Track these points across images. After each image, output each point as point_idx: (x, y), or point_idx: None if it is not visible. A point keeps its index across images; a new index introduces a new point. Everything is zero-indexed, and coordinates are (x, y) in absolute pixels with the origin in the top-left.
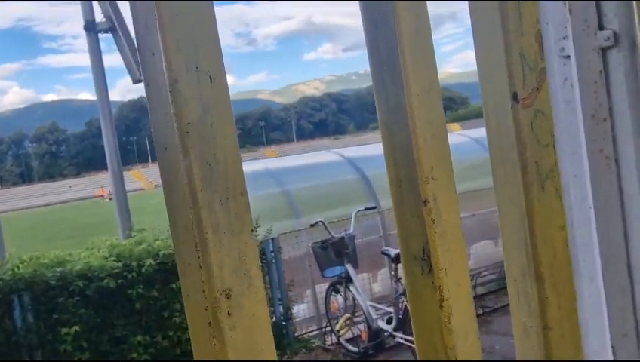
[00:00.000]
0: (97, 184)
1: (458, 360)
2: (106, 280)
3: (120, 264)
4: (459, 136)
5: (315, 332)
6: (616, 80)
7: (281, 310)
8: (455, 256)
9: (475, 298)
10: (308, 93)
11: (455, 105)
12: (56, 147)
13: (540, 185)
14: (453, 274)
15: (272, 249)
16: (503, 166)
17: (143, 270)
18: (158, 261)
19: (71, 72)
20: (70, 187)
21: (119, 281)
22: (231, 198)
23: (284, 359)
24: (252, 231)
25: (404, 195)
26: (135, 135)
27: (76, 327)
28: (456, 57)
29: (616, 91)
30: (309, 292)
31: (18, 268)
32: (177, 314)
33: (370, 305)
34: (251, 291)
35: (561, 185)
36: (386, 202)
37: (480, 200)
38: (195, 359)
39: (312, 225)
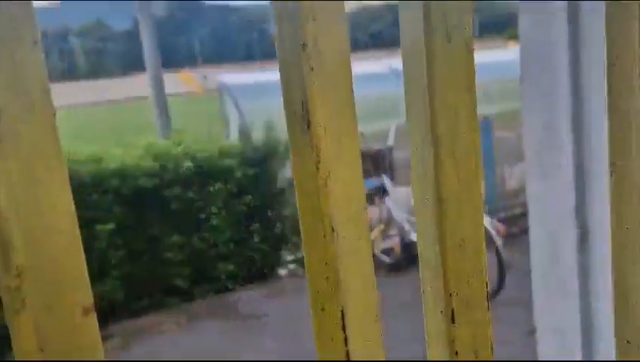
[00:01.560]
0: (142, 84)
1: (335, 227)
2: (141, 180)
3: (157, 164)
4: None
5: None
6: None
7: None
8: (340, 113)
9: None
10: (367, 3)
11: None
12: (102, 44)
13: (447, 37)
14: (335, 133)
15: None
16: (407, 9)
17: (180, 171)
18: (195, 163)
19: None
20: (116, 86)
21: (155, 181)
22: None
23: None
24: (36, 42)
25: (286, 40)
26: (185, 36)
27: (110, 225)
28: None
29: None
30: None
31: None
32: (214, 216)
33: (406, 218)
34: (33, 116)
35: (471, 37)
36: None
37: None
38: None
39: None
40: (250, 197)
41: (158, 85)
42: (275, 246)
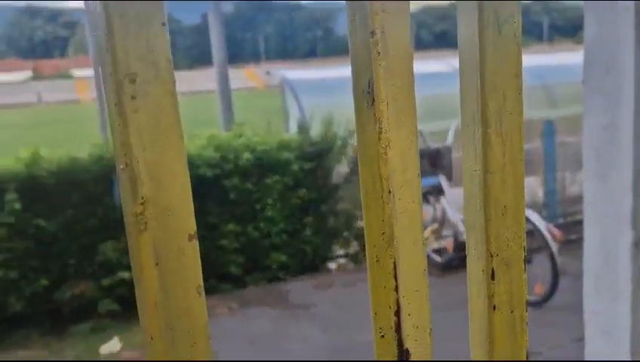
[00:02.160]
0: (209, 78)
1: (392, 190)
2: (202, 169)
3: (218, 155)
4: None
5: None
6: None
7: None
8: (401, 92)
9: None
10: (433, 2)
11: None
12: (170, 37)
13: (497, 29)
14: (395, 109)
15: None
16: (464, 7)
17: (240, 163)
18: (255, 155)
19: None
20: (182, 79)
21: (216, 171)
22: None
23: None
24: (164, 24)
25: (357, 29)
26: (251, 33)
27: None
28: None
29: None
30: None
31: None
32: (269, 207)
33: (460, 219)
34: (159, 81)
35: (520, 30)
36: None
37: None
38: (111, 140)
39: None
40: (305, 190)
41: (224, 80)
42: (327, 240)
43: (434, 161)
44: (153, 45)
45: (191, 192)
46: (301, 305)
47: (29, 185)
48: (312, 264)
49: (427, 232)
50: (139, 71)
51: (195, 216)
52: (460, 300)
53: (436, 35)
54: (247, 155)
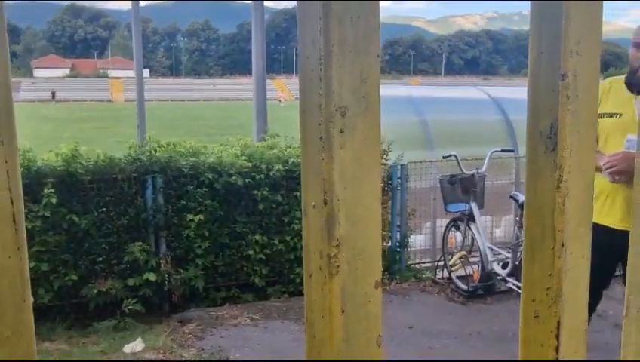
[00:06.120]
0: (240, 87)
1: (565, 243)
2: (234, 177)
3: (250, 164)
4: None
5: (427, 265)
6: None
7: (398, 237)
8: (584, 139)
9: None
10: (465, 27)
11: (619, 63)
12: (206, 45)
13: None
14: (577, 157)
15: (399, 175)
16: None
17: (271, 173)
18: (286, 167)
19: None
20: (214, 86)
21: (247, 180)
22: (362, 18)
23: (393, 284)
24: (378, 56)
25: (542, 69)
26: (284, 45)
27: (201, 216)
28: (634, 11)
29: None
30: (428, 224)
31: (155, 150)
32: (297, 221)
33: (489, 247)
34: (367, 114)
35: None
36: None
37: None
38: (302, 173)
39: (444, 157)
40: None
41: (261, 90)
42: None
43: (467, 187)
44: (366, 76)
45: (380, 238)
46: None
47: (66, 180)
48: None
49: (455, 259)
50: (350, 104)
51: (223, 223)
52: (479, 330)
53: (467, 61)
54: (278, 166)
